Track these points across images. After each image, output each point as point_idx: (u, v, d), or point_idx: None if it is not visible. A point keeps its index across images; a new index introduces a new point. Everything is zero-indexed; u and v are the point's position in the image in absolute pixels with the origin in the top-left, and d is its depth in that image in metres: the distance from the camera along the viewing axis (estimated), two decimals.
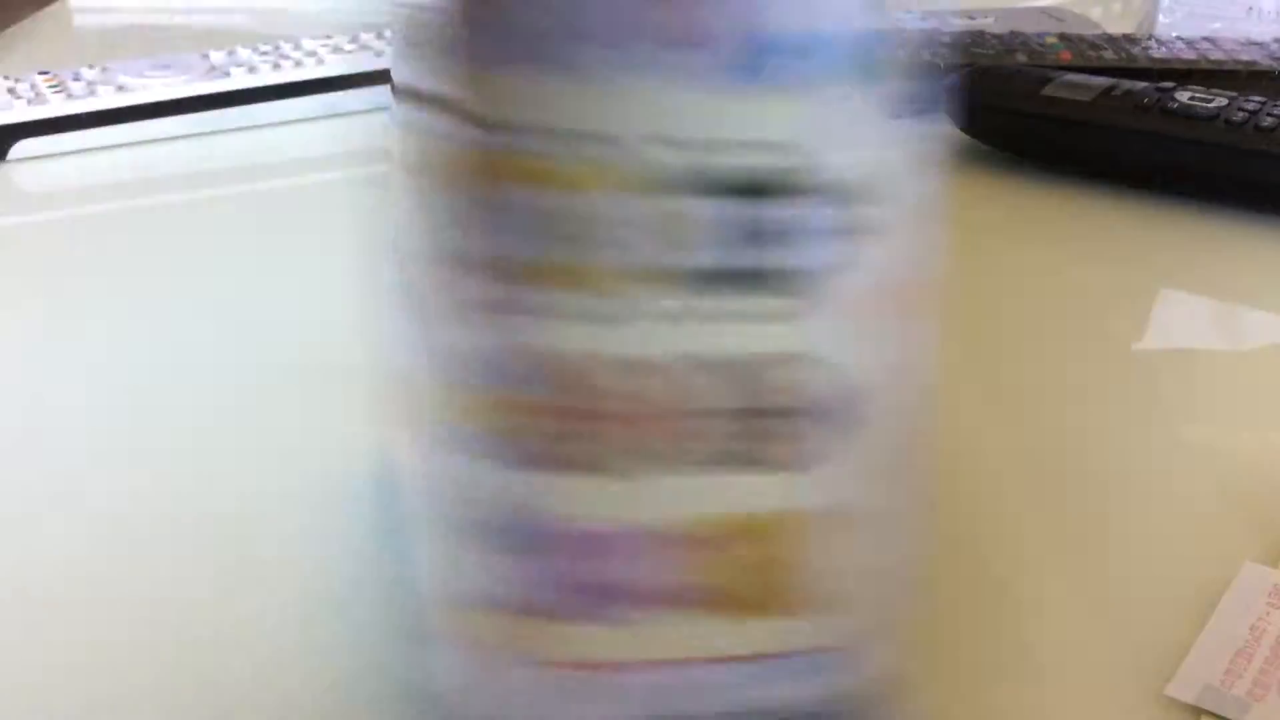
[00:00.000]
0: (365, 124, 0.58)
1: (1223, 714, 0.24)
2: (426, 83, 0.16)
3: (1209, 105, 0.47)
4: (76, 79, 0.56)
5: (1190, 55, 0.57)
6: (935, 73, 0.62)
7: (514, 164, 0.15)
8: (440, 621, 0.18)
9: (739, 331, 0.16)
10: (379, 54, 0.59)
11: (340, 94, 0.58)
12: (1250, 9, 0.64)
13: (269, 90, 0.57)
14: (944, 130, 0.53)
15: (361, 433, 0.34)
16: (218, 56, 0.59)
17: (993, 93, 0.52)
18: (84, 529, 0.31)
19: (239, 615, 0.28)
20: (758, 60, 0.15)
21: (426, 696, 0.18)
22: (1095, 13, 0.71)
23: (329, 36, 0.62)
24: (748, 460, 0.16)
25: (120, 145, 0.55)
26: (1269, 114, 0.46)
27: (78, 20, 0.75)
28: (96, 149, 0.55)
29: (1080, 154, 0.50)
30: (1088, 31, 0.62)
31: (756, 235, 0.16)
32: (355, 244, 0.47)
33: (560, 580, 0.16)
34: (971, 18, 0.66)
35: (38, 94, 0.55)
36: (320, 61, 0.58)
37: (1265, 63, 0.57)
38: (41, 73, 0.57)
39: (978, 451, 0.33)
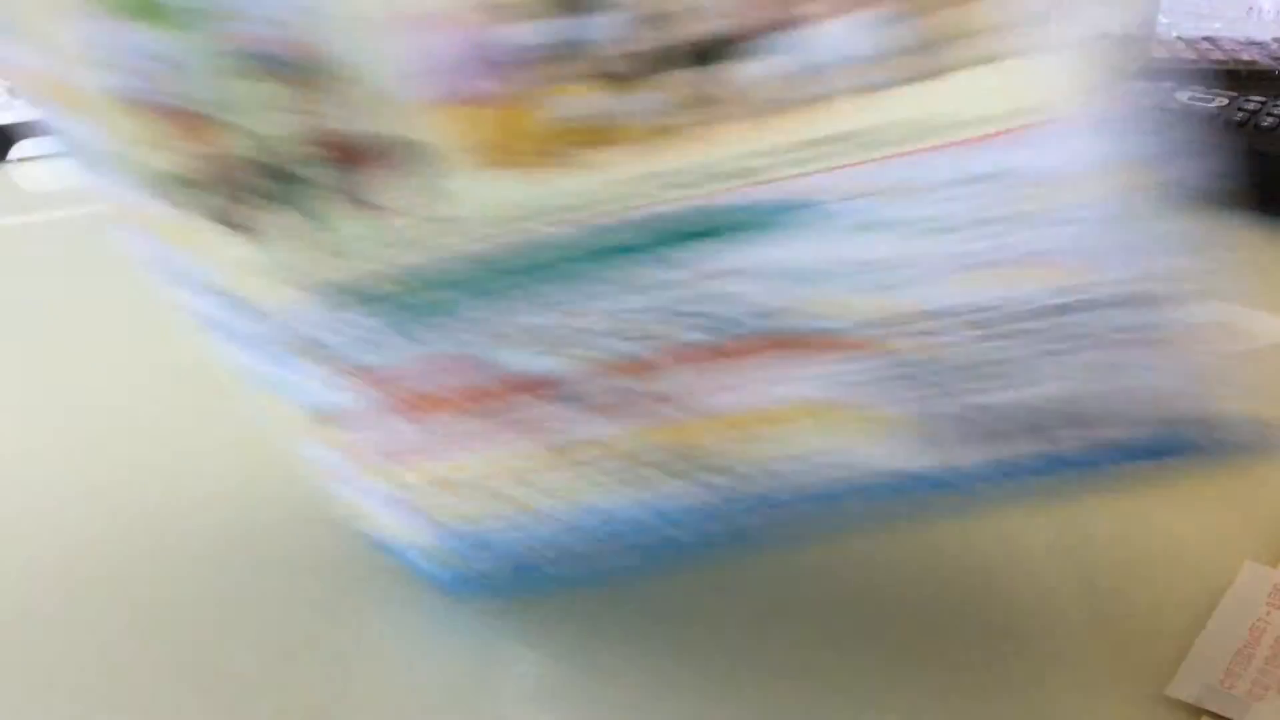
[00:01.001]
0: None
1: (1223, 714, 0.24)
2: None
3: (1209, 105, 0.47)
4: None
5: (1190, 55, 0.57)
6: None
7: None
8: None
9: None
10: None
11: None
12: (1250, 9, 0.64)
13: None
14: None
15: None
16: None
17: None
18: (84, 528, 0.31)
19: (239, 610, 0.28)
20: None
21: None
22: None
23: None
24: None
25: None
26: (1269, 114, 0.46)
27: None
28: None
29: None
30: None
31: None
32: None
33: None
34: None
35: None
36: None
37: (1265, 63, 0.57)
38: None
39: None
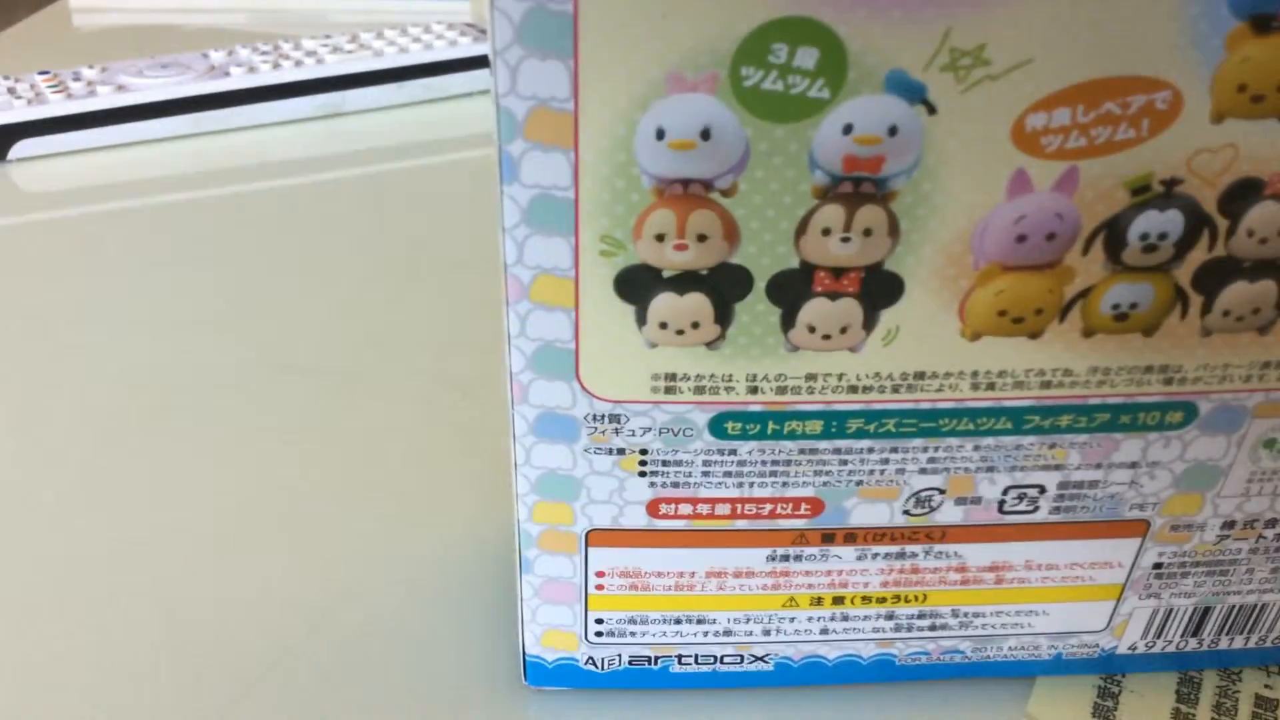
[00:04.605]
0: (365, 124, 0.58)
1: None
2: None
3: None
4: (76, 79, 0.56)
5: None
6: None
7: None
8: None
9: None
10: (378, 54, 0.59)
11: (340, 93, 0.58)
12: None
13: (269, 90, 0.57)
14: None
15: (358, 429, 0.34)
16: (218, 56, 0.59)
17: None
18: (82, 527, 0.31)
19: (242, 613, 0.28)
20: None
21: None
22: None
23: (329, 36, 0.62)
24: None
25: (120, 145, 0.55)
26: None
27: (78, 20, 0.75)
28: (96, 149, 0.55)
29: None
30: None
31: None
32: (352, 243, 0.47)
33: None
34: None
35: (38, 94, 0.55)
36: (320, 61, 0.58)
37: None
38: (41, 73, 0.57)
39: None
